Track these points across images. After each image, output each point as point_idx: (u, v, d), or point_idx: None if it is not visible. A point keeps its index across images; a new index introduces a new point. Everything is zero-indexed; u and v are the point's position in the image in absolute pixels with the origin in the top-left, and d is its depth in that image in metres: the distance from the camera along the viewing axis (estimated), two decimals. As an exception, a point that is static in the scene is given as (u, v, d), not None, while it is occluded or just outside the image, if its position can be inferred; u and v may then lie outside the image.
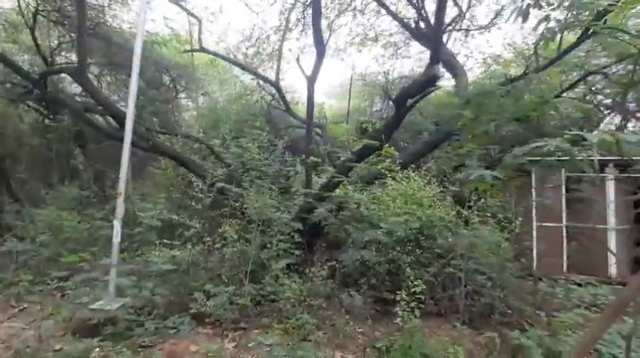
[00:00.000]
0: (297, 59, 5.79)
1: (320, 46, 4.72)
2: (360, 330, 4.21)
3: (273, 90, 9.82)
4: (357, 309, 4.47)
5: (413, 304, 3.72)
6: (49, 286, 4.10)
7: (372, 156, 5.46)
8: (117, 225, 3.98)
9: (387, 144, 5.02)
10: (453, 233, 4.75)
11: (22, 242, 5.21)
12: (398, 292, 3.90)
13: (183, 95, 11.52)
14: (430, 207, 5.02)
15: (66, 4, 7.94)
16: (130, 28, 8.28)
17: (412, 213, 4.66)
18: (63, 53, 9.42)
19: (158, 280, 3.88)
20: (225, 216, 4.77)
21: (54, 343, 3.46)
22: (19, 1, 7.81)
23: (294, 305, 4.03)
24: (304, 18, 7.42)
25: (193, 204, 4.61)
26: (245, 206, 4.93)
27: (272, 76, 9.43)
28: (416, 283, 4.12)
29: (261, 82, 9.89)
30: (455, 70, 6.52)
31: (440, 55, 4.19)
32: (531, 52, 8.20)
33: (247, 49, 7.90)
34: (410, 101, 4.85)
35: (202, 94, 11.90)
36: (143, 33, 4.11)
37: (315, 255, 5.64)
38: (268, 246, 4.69)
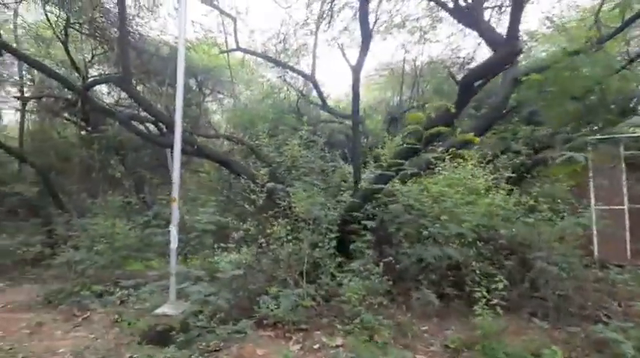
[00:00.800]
0: (341, 48, 5.55)
1: (366, 32, 4.48)
2: (424, 329, 4.02)
3: (301, 87, 9.67)
4: (419, 307, 4.28)
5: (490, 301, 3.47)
6: (112, 295, 4.16)
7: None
8: (173, 230, 3.97)
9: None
10: (516, 222, 4.44)
11: (77, 251, 5.34)
12: (466, 287, 3.68)
13: (209, 98, 11.59)
14: (488, 195, 4.72)
15: (97, 16, 8.11)
16: (159, 35, 8.36)
17: (473, 203, 4.39)
18: (95, 65, 9.69)
19: (217, 284, 3.83)
20: (275, 217, 4.69)
21: (125, 351, 3.48)
22: (47, 15, 8.00)
23: (355, 304, 3.88)
24: (332, 9, 7.21)
25: (245, 205, 4.55)
26: (292, 205, 4.82)
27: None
28: (482, 277, 3.88)
29: (288, 79, 9.77)
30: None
31: (518, 28, 3.74)
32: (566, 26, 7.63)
33: (275, 45, 7.79)
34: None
35: (229, 96, 11.93)
36: (184, 41, 4.05)
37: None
38: (320, 244, 4.57)
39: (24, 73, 8.99)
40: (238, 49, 7.10)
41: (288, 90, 10.08)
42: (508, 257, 4.43)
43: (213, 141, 6.76)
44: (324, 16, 7.54)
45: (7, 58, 8.50)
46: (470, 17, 5.34)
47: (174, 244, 3.96)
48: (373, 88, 14.17)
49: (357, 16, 4.58)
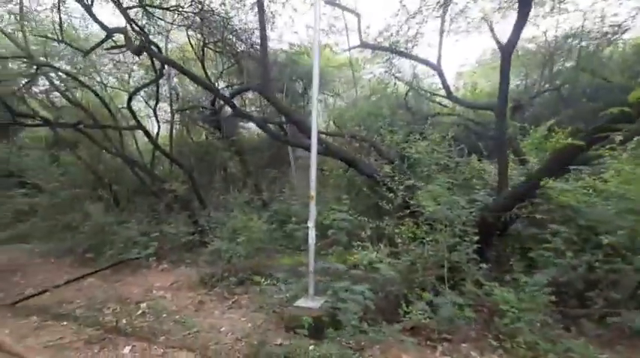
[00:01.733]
0: (490, 25, 4.99)
1: (525, 3, 3.89)
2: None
3: (409, 79, 9.21)
4: (591, 330, 3.54)
5: None
6: (253, 283, 4.56)
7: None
8: (311, 227, 4.11)
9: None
10: None
11: (222, 241, 6.08)
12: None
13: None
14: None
15: (226, 36, 9.19)
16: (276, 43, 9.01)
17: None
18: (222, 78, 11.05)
19: (356, 281, 3.84)
20: (404, 216, 4.48)
21: (274, 337, 3.75)
22: (189, 38, 9.43)
23: (513, 319, 3.40)
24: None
25: (381, 204, 4.49)
26: (421, 203, 4.53)
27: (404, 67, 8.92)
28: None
29: (395, 73, 9.43)
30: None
31: None
32: None
33: (390, 37, 7.53)
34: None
35: (332, 95, 12.17)
36: (319, 49, 4.15)
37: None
38: (458, 248, 4.17)
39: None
40: (362, 45, 7.09)
41: (395, 84, 9.74)
42: None
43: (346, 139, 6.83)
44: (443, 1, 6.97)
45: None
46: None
47: (312, 240, 4.11)
48: (488, 74, 12.66)
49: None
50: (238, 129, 13.20)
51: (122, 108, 9.77)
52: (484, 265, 4.13)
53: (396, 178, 4.76)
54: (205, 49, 9.26)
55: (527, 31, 10.11)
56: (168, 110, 10.75)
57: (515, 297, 3.53)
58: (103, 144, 8.37)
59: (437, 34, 7.71)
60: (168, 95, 10.45)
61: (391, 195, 4.64)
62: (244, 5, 8.20)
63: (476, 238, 4.12)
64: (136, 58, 10.32)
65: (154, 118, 10.19)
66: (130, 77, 8.35)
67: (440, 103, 8.93)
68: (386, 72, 9.63)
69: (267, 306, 4.56)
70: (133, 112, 8.01)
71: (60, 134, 9.64)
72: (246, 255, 5.64)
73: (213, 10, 8.07)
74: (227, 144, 10.32)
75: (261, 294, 5.17)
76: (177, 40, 10.38)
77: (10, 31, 6.99)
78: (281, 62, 9.30)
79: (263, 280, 4.77)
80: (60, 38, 6.56)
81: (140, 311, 4.73)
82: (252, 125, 14.89)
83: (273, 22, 9.33)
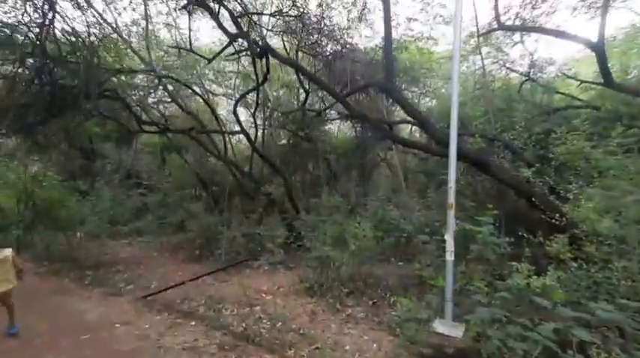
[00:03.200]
0: None
1: None
2: None
3: (526, 69, 7.95)
4: None
5: None
6: (363, 294, 4.15)
7: None
8: (449, 240, 3.55)
9: None
10: None
11: (326, 247, 5.84)
12: None
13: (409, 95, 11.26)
14: None
15: (317, 39, 9.10)
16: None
17: None
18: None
19: (503, 307, 3.15)
20: (560, 231, 3.63)
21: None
22: (284, 42, 9.57)
23: None
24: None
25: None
26: (588, 217, 3.62)
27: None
28: None
29: (506, 64, 8.26)
30: None
31: None
32: None
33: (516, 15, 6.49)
34: None
35: (424, 92, 11.32)
36: (459, 49, 3.60)
37: None
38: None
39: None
40: (501, 26, 6.21)
41: (507, 75, 8.53)
42: None
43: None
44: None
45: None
46: None
47: (450, 256, 3.54)
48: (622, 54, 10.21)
49: None
50: (321, 133, 13.20)
51: (219, 114, 10.40)
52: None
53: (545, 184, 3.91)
54: (299, 52, 9.32)
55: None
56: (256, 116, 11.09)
57: None
58: (208, 148, 8.89)
59: (568, 12, 6.43)
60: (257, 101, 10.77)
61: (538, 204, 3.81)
62: (342, 4, 7.98)
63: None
64: (234, 66, 10.96)
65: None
66: (236, 86, 8.75)
67: (569, 95, 7.45)
68: (495, 62, 8.50)
69: (391, 324, 4.13)
70: (238, 118, 8.37)
71: (171, 140, 10.67)
72: (355, 264, 5.30)
73: (309, 12, 8.04)
74: (313, 147, 10.28)
75: (372, 308, 4.79)
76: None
77: (136, 47, 7.83)
78: (375, 59, 8.83)
79: (372, 292, 4.36)
80: (179, 53, 7.07)
81: (257, 316, 4.68)
82: (334, 128, 14.87)
83: (366, 19, 9.00)
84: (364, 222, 6.42)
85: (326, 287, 5.26)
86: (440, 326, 3.57)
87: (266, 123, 11.73)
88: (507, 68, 8.32)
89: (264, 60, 6.64)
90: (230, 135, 10.93)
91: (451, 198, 3.55)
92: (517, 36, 8.08)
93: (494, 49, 8.19)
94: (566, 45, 13.31)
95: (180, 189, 12.01)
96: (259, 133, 10.71)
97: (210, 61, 6.90)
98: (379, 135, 6.71)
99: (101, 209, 9.36)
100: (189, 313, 4.72)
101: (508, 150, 4.83)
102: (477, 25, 7.01)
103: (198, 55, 7.22)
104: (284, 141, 12.80)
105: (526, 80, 7.80)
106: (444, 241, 3.61)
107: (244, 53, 7.14)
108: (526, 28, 6.68)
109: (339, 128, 14.52)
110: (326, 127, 13.23)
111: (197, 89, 9.62)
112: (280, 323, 4.39)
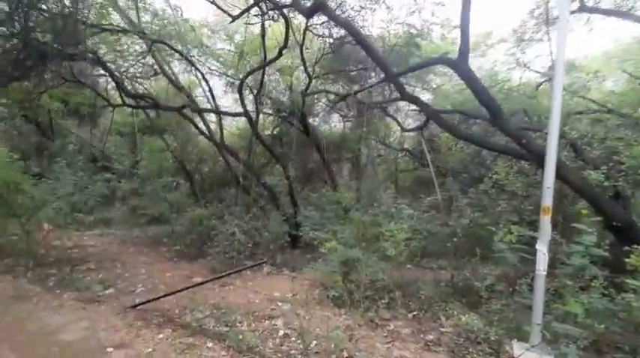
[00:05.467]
0: None
1: None
2: None
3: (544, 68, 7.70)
4: None
5: None
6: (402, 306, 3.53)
7: None
8: (542, 250, 2.99)
9: None
10: None
11: (352, 250, 5.14)
12: None
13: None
14: None
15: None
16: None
17: None
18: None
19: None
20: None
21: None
22: (287, 21, 8.66)
23: None
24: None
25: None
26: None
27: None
28: None
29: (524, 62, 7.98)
30: None
31: None
32: None
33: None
34: None
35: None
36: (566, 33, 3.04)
37: None
38: None
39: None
40: (584, 8, 5.67)
41: (522, 76, 8.28)
42: None
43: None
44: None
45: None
46: None
47: (541, 269, 2.99)
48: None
49: None
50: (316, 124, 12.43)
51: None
52: None
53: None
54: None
55: None
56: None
57: None
58: (202, 131, 7.79)
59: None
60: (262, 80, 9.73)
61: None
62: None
63: None
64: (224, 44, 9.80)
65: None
66: (240, 59, 7.68)
67: (589, 99, 7.26)
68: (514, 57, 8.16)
69: (450, 344, 3.53)
70: (242, 98, 7.35)
71: (152, 120, 9.37)
72: (388, 269, 4.66)
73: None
74: (308, 138, 9.47)
75: (418, 323, 4.18)
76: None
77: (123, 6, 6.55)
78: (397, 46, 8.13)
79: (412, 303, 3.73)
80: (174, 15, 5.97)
81: (282, 333, 3.89)
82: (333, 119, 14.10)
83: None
84: (398, 223, 5.73)
85: (358, 296, 4.55)
86: (525, 352, 3.00)
87: (259, 108, 10.76)
88: (525, 66, 8.05)
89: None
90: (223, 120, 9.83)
91: (548, 201, 2.99)
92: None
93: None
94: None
95: (159, 176, 10.70)
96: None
97: (234, 18, 5.81)
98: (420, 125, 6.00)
99: (63, 194, 7.95)
100: (199, 329, 3.81)
101: (572, 149, 4.42)
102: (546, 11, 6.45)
103: (221, 9, 6.08)
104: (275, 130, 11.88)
105: (546, 80, 7.56)
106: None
107: (271, 12, 6.09)
108: (610, 12, 6.16)
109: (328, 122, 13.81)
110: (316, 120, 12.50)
111: (188, 64, 8.42)
112: (315, 343, 3.65)
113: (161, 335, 3.59)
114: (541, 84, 7.64)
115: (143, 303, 4.33)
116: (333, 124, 13.84)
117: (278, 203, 8.40)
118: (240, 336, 3.66)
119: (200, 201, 8.95)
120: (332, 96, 10.11)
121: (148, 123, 10.21)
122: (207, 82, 7.71)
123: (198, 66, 7.35)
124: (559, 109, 3.00)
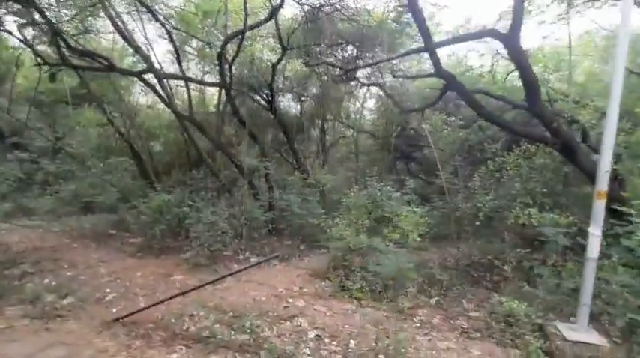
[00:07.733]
0: None
1: None
2: None
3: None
4: None
5: None
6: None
7: None
8: (595, 234, 3.02)
9: None
10: None
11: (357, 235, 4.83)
12: None
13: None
14: None
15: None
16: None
17: None
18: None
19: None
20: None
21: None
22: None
23: None
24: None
25: None
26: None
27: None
28: None
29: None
30: None
31: None
32: None
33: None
34: None
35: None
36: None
37: None
38: None
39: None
40: None
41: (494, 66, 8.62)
42: None
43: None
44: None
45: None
46: None
47: (593, 252, 3.04)
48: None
49: None
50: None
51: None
52: None
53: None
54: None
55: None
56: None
57: None
58: (168, 101, 6.57)
59: None
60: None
61: None
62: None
63: None
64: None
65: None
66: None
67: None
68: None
69: (489, 330, 3.49)
70: (222, 65, 6.28)
71: (88, 87, 7.62)
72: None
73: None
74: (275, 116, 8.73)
75: (443, 309, 4.09)
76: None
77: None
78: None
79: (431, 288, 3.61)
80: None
81: (312, 335, 3.45)
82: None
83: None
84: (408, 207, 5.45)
85: (379, 287, 4.29)
86: (580, 334, 3.06)
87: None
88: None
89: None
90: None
91: (604, 185, 3.00)
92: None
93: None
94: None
95: (99, 156, 8.96)
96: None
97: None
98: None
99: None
100: (216, 340, 3.14)
101: (582, 134, 4.60)
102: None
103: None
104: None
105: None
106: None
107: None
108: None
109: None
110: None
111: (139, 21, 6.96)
112: (354, 345, 3.30)
113: (175, 356, 2.87)
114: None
115: (131, 314, 3.47)
116: (290, 104, 13.14)
117: (255, 187, 7.65)
118: (265, 344, 3.14)
119: (155, 185, 7.72)
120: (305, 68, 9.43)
121: (81, 90, 8.36)
122: (173, 41, 6.42)
123: (162, 21, 6.02)
124: (619, 90, 2.99)
